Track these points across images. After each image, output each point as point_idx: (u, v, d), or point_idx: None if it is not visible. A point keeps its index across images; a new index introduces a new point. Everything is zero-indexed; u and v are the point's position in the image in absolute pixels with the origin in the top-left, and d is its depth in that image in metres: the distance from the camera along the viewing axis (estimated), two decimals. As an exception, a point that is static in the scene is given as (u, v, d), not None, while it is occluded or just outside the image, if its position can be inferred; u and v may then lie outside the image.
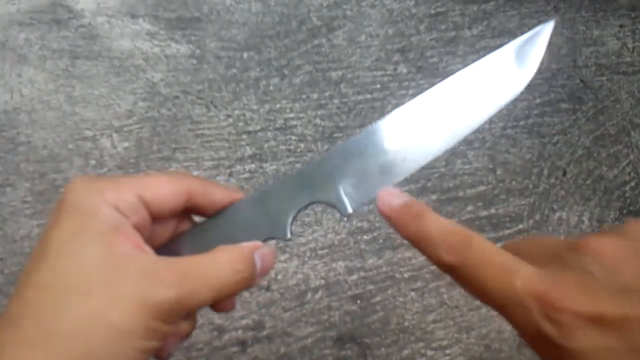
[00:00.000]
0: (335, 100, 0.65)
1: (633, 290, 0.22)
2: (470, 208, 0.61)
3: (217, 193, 0.29)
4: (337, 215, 0.59)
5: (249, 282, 0.27)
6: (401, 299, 0.57)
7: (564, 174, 0.65)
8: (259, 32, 0.68)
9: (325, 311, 0.55)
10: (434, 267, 0.62)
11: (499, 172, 0.63)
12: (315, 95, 0.65)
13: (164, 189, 0.27)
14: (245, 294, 0.55)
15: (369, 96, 0.66)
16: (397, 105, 0.66)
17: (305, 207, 0.29)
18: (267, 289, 0.56)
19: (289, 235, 0.29)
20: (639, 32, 0.74)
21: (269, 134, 0.62)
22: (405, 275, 0.57)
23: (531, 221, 0.62)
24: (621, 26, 0.74)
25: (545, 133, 0.66)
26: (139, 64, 0.64)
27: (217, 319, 0.54)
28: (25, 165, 0.58)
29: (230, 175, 0.60)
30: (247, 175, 0.60)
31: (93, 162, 0.59)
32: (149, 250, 0.26)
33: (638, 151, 0.67)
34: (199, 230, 0.30)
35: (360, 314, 0.56)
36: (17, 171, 0.58)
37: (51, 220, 0.25)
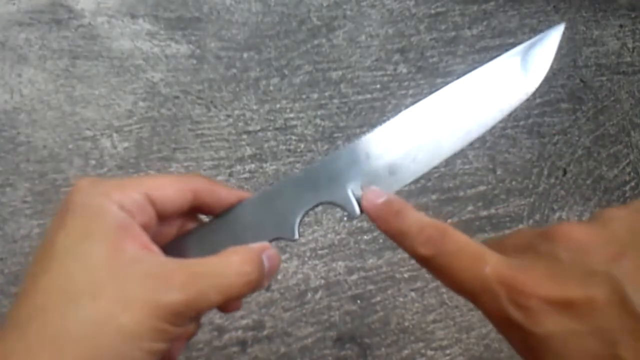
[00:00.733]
0: (335, 100, 0.65)
1: (599, 273, 0.22)
2: (470, 208, 0.61)
3: (224, 192, 0.29)
4: (338, 215, 0.59)
5: (257, 284, 0.27)
6: (401, 299, 0.57)
7: (564, 174, 0.65)
8: (259, 32, 0.68)
9: (325, 311, 0.55)
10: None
11: (499, 172, 0.63)
12: (315, 95, 0.65)
13: (170, 187, 0.27)
14: (245, 294, 0.55)
15: (369, 96, 0.66)
16: (397, 105, 0.66)
17: (313, 207, 0.29)
18: (267, 289, 0.56)
19: (296, 236, 0.29)
20: (639, 32, 0.74)
21: (269, 134, 0.62)
22: (405, 275, 0.57)
23: (531, 221, 0.62)
24: (621, 26, 0.74)
25: (545, 133, 0.66)
26: (139, 64, 0.64)
27: (217, 318, 0.54)
28: (25, 165, 0.58)
29: (230, 175, 0.60)
30: (247, 175, 0.60)
31: (93, 162, 0.59)
32: (156, 250, 0.26)
33: (638, 151, 0.67)
34: (206, 230, 0.30)
35: (360, 314, 0.56)
36: (17, 171, 0.58)
37: (57, 221, 0.25)
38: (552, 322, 0.22)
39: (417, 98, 0.66)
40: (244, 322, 0.54)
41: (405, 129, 0.29)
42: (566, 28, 0.73)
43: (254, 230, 0.29)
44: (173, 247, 0.29)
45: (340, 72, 0.67)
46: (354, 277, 0.57)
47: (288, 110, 0.64)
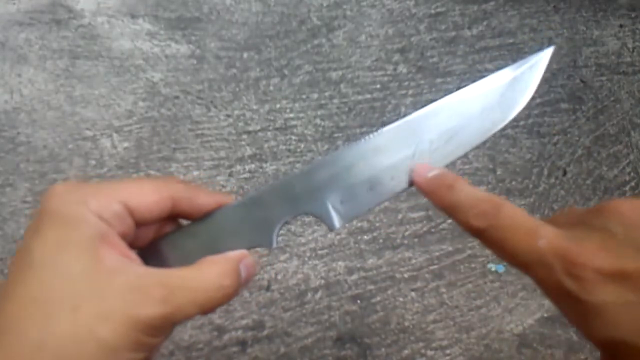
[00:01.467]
0: (335, 100, 0.65)
1: None
2: (470, 208, 0.61)
3: (203, 197, 0.29)
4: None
5: (234, 294, 0.27)
6: (401, 299, 0.57)
7: (564, 174, 0.65)
8: (259, 32, 0.68)
9: (325, 311, 0.55)
10: (434, 267, 0.62)
11: (499, 172, 0.63)
12: (315, 95, 0.65)
13: (149, 196, 0.27)
14: (246, 294, 0.55)
15: (369, 96, 0.66)
16: (397, 105, 0.66)
17: (293, 217, 0.29)
18: (267, 289, 0.56)
19: (274, 245, 0.29)
20: (639, 32, 0.74)
21: (269, 134, 0.62)
22: (405, 275, 0.57)
23: (531, 221, 0.62)
24: (621, 26, 0.74)
25: (545, 133, 0.66)
26: (139, 64, 0.64)
27: (217, 318, 0.54)
28: (25, 165, 0.58)
29: (230, 175, 0.60)
30: (247, 175, 0.60)
31: (93, 162, 0.59)
32: (134, 257, 0.26)
33: (638, 151, 0.67)
34: (184, 234, 0.29)
35: (360, 314, 0.56)
36: (17, 171, 0.58)
37: (33, 228, 0.25)
38: (606, 292, 0.22)
39: (417, 98, 0.66)
40: (244, 322, 0.54)
41: (386, 146, 0.30)
42: (566, 28, 0.73)
43: (232, 236, 0.29)
44: (151, 251, 0.29)
45: (340, 72, 0.67)
46: (354, 277, 0.57)
47: (288, 110, 0.64)
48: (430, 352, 0.55)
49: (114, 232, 0.25)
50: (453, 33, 0.70)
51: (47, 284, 0.23)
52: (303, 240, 0.58)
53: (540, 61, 0.31)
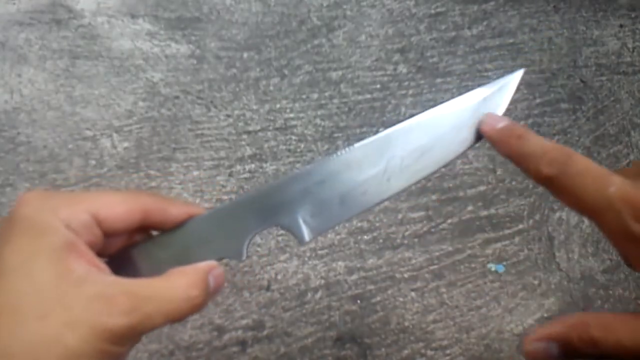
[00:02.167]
0: (335, 100, 0.65)
1: None
2: (470, 208, 0.61)
3: (174, 209, 0.29)
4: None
5: (202, 305, 0.27)
6: (401, 299, 0.57)
7: (564, 174, 0.65)
8: (259, 32, 0.68)
9: (325, 311, 0.55)
10: (434, 267, 0.62)
11: (499, 172, 0.63)
12: (315, 95, 0.65)
13: (118, 207, 0.27)
14: (246, 293, 0.55)
15: (369, 96, 0.66)
16: (397, 105, 0.66)
17: (263, 229, 0.29)
18: (267, 289, 0.56)
19: (244, 257, 0.29)
20: (639, 32, 0.74)
21: (269, 134, 0.62)
22: (405, 275, 0.57)
23: (531, 221, 0.62)
24: (621, 26, 0.74)
25: (545, 133, 0.66)
26: (139, 64, 0.64)
27: (217, 318, 0.54)
28: (25, 165, 0.58)
29: (230, 175, 0.60)
30: (247, 175, 0.60)
31: (93, 162, 0.59)
32: (103, 266, 0.26)
33: (638, 151, 0.67)
34: (155, 244, 0.30)
35: (360, 314, 0.56)
36: (17, 171, 0.58)
37: (3, 234, 0.25)
38: None
39: (417, 98, 0.66)
40: (244, 322, 0.54)
41: (358, 161, 0.30)
42: (566, 28, 0.73)
43: (202, 247, 0.29)
44: (120, 260, 0.29)
45: (340, 72, 0.67)
46: (354, 277, 0.57)
47: (288, 110, 0.64)
48: (430, 352, 0.55)
49: (81, 241, 0.26)
50: (453, 33, 0.70)
51: (17, 292, 0.24)
52: (303, 240, 0.58)
53: (509, 83, 0.32)
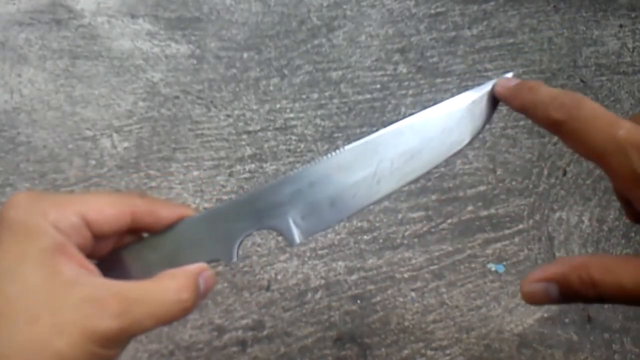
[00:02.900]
0: (335, 100, 0.65)
1: None
2: (470, 208, 0.61)
3: (164, 212, 0.29)
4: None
5: (192, 307, 0.27)
6: (401, 299, 0.57)
7: (564, 174, 0.65)
8: (259, 32, 0.68)
9: (325, 311, 0.55)
10: (434, 267, 0.62)
11: (499, 172, 0.63)
12: (315, 95, 0.65)
13: (107, 210, 0.27)
14: (246, 293, 0.55)
15: (369, 96, 0.66)
16: (397, 105, 0.66)
17: (254, 231, 0.30)
18: (267, 289, 0.56)
19: (235, 259, 0.29)
20: (639, 32, 0.74)
21: (269, 134, 0.62)
22: (405, 275, 0.57)
23: (531, 221, 0.62)
24: (621, 26, 0.74)
25: (545, 133, 0.66)
26: (139, 64, 0.64)
27: (217, 318, 0.54)
28: (25, 165, 0.58)
29: (230, 175, 0.60)
30: (247, 175, 0.60)
31: (93, 162, 0.59)
32: (92, 268, 0.26)
33: (638, 151, 0.67)
34: (145, 246, 0.30)
35: (360, 314, 0.56)
36: (17, 171, 0.58)
37: None
38: None
39: (417, 98, 0.66)
40: (244, 322, 0.54)
41: (349, 164, 0.30)
42: (566, 28, 0.73)
43: (192, 249, 0.29)
44: (111, 262, 0.29)
45: (340, 72, 0.67)
46: (354, 277, 0.57)
47: (288, 110, 0.64)
48: (430, 352, 0.55)
49: (71, 243, 0.26)
50: (453, 33, 0.70)
51: (6, 295, 0.24)
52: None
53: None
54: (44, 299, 0.24)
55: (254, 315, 0.54)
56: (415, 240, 0.59)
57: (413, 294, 0.57)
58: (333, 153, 0.30)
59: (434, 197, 0.61)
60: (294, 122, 0.63)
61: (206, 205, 0.59)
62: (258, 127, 0.63)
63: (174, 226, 0.29)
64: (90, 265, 0.26)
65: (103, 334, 0.24)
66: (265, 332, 0.54)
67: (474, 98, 0.31)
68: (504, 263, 0.60)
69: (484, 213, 0.61)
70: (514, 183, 0.63)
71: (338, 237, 0.58)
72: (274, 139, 0.62)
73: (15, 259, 0.24)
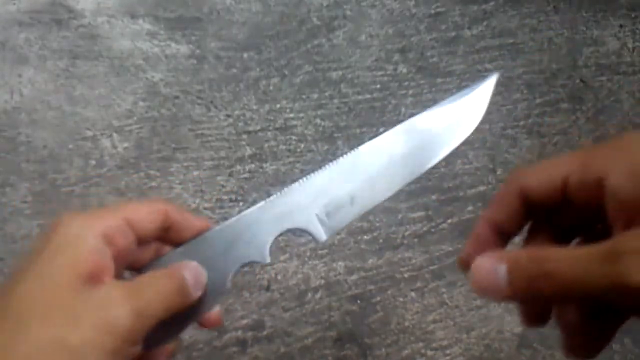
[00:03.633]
0: (335, 100, 0.65)
1: None
2: (470, 208, 0.61)
3: (193, 219, 0.31)
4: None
5: (192, 291, 0.29)
6: (401, 299, 0.57)
7: (564, 174, 0.65)
8: (259, 32, 0.68)
9: (325, 311, 0.55)
10: (434, 267, 0.62)
11: (499, 172, 0.63)
12: (315, 95, 0.65)
13: (144, 210, 0.29)
14: (246, 293, 0.55)
15: (369, 96, 0.66)
16: (397, 105, 0.66)
17: (282, 233, 0.32)
18: (267, 289, 0.56)
19: (268, 259, 0.31)
20: (639, 32, 0.74)
21: (269, 134, 0.62)
22: (405, 275, 0.57)
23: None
24: (621, 26, 0.74)
25: (545, 133, 0.66)
26: (139, 64, 0.64)
27: (217, 319, 0.54)
28: (25, 165, 0.58)
29: (230, 175, 0.60)
30: (247, 175, 0.60)
31: (93, 162, 0.59)
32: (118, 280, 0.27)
33: (638, 151, 0.67)
34: (176, 254, 0.31)
35: (360, 314, 0.56)
36: (17, 171, 0.58)
37: (35, 248, 0.26)
38: None
39: (417, 98, 0.66)
40: (244, 322, 0.54)
41: (363, 160, 0.32)
42: (566, 28, 0.73)
43: (224, 255, 0.31)
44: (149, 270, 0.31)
45: (340, 72, 0.67)
46: (354, 277, 0.57)
47: (288, 110, 0.64)
48: (430, 352, 0.55)
49: (108, 254, 0.27)
50: (453, 33, 0.70)
51: (23, 295, 0.25)
52: (303, 240, 0.58)
53: (485, 88, 0.33)
54: (59, 298, 0.24)
55: (254, 315, 0.54)
56: (415, 240, 0.59)
57: (413, 294, 0.57)
58: (346, 155, 0.32)
59: (434, 197, 0.61)
60: (294, 122, 0.63)
61: (206, 205, 0.59)
62: (258, 127, 0.63)
63: (204, 234, 0.31)
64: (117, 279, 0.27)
65: (114, 322, 0.24)
66: (265, 332, 0.54)
67: (461, 101, 0.33)
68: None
69: (484, 213, 0.61)
70: (514, 183, 0.63)
71: (338, 237, 0.58)
72: (274, 139, 0.62)
73: (45, 265, 0.25)
